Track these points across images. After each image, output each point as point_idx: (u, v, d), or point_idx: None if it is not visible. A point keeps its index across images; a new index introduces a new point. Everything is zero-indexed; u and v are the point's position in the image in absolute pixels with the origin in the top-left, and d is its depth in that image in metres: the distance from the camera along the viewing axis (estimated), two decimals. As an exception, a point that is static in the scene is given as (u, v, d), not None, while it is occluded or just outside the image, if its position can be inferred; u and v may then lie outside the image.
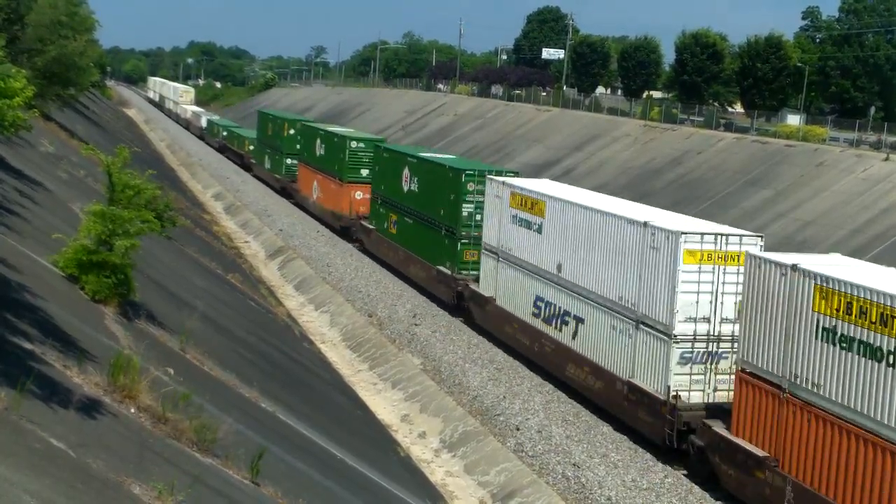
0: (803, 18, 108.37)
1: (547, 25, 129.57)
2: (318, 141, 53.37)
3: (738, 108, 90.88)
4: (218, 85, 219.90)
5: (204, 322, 19.31)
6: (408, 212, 39.54)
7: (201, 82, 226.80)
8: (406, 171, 39.88)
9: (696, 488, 20.56)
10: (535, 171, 63.74)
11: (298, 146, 59.89)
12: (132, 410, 10.82)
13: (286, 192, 63.07)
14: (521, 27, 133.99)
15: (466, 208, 33.97)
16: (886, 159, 49.45)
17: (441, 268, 35.33)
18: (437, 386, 26.43)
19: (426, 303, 36.02)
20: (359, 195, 47.32)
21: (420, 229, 38.12)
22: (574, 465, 21.48)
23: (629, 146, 66.54)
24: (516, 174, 35.06)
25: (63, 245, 15.74)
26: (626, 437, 23.33)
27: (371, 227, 44.34)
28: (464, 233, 34.04)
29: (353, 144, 48.02)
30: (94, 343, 12.81)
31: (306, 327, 32.32)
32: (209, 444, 11.13)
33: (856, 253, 39.23)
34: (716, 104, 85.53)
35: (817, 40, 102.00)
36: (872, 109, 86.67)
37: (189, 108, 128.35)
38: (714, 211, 50.07)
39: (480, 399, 25.69)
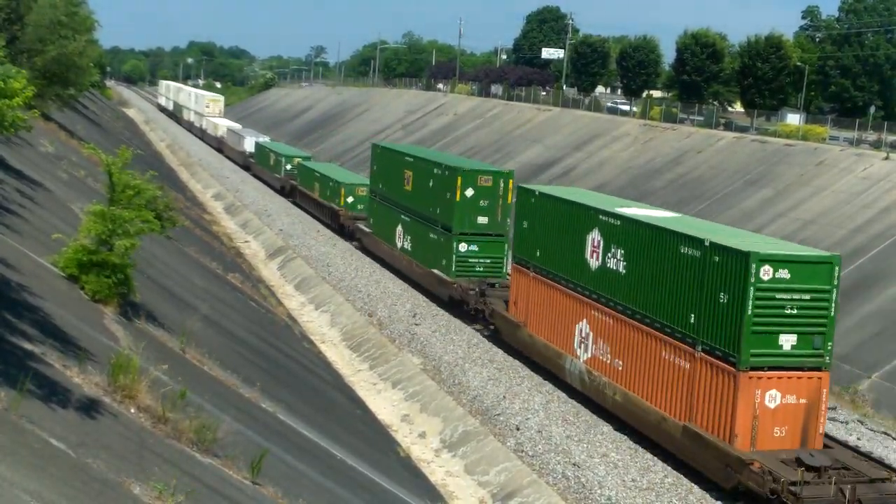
0: (803, 18, 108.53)
1: (547, 25, 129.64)
2: (612, 239, 24.27)
3: (738, 107, 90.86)
4: (218, 85, 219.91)
5: (204, 322, 19.31)
6: None
7: (201, 82, 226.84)
8: None
9: (696, 488, 20.56)
10: (536, 171, 63.75)
11: (480, 219, 33.98)
12: (132, 410, 10.82)
13: (463, 306, 33.32)
14: (520, 27, 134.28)
15: None
16: (886, 158, 49.43)
17: None
18: (437, 386, 26.43)
19: (426, 302, 35.98)
20: (771, 399, 19.88)
21: None
22: (574, 464, 21.48)
23: (629, 146, 66.51)
24: None
25: (63, 245, 15.75)
26: (626, 436, 23.34)
27: None
28: None
29: (766, 272, 19.55)
30: (94, 343, 12.81)
31: (306, 327, 32.32)
32: (209, 444, 11.14)
33: (856, 252, 39.25)
34: (716, 103, 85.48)
35: (817, 40, 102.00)
36: (872, 108, 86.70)
37: (221, 123, 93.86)
38: (714, 210, 50.07)
39: (480, 399, 25.69)
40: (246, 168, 76.95)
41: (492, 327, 31.61)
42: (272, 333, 25.14)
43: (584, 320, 25.31)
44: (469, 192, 33.85)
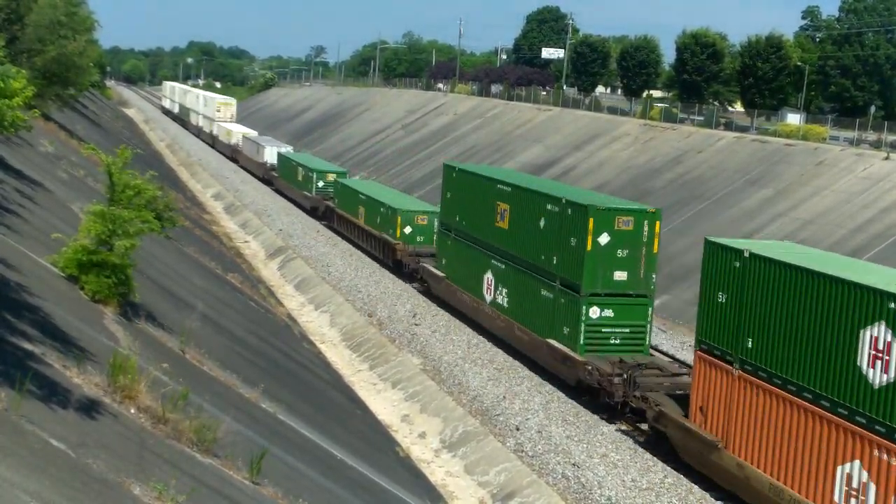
0: (803, 18, 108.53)
1: (547, 25, 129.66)
2: None
3: (738, 107, 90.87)
4: (217, 85, 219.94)
5: (204, 322, 19.31)
6: None
7: (201, 82, 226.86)
8: None
9: (696, 488, 20.55)
10: (536, 171, 63.74)
11: (617, 275, 25.77)
12: (132, 411, 10.82)
13: (601, 396, 24.59)
14: (520, 27, 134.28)
15: None
16: (886, 158, 49.44)
17: None
18: (437, 386, 26.43)
19: (426, 302, 35.98)
20: None
21: None
22: (574, 464, 21.47)
23: (629, 145, 66.51)
24: None
25: (63, 245, 15.75)
26: (626, 437, 23.33)
27: None
28: None
29: None
30: (94, 343, 12.80)
31: (306, 327, 32.32)
32: (209, 444, 11.14)
33: (856, 252, 39.23)
34: (716, 103, 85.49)
35: (817, 39, 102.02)
36: (872, 108, 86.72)
37: (233, 130, 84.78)
38: (714, 210, 50.08)
39: (480, 399, 25.69)
40: (267, 182, 67.03)
41: (650, 428, 23.11)
42: (272, 333, 25.14)
43: (857, 462, 16.47)
44: (604, 239, 25.42)
